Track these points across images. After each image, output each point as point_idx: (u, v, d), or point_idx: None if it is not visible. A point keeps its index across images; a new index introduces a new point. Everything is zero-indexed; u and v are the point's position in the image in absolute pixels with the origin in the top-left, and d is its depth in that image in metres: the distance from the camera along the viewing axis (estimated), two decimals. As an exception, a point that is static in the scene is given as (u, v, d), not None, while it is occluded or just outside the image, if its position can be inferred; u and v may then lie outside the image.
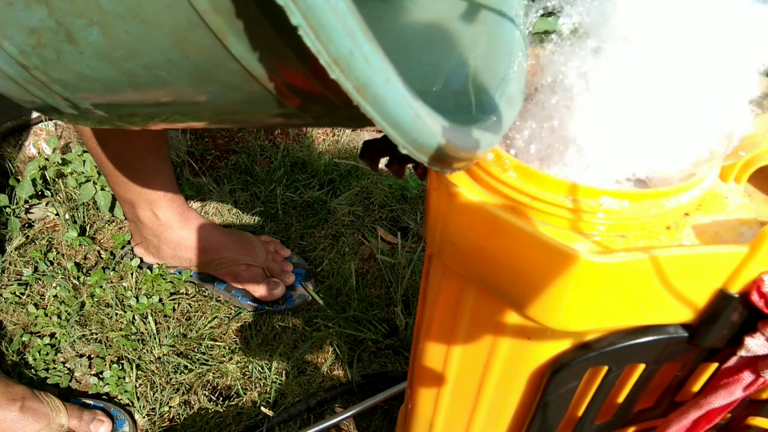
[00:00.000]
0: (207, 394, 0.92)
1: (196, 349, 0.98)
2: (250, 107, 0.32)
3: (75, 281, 1.06)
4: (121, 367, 0.95)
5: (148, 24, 0.27)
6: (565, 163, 0.35)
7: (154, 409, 0.91)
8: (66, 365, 0.96)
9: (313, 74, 0.27)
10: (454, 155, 0.28)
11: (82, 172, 1.16)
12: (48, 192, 1.18)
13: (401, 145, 0.26)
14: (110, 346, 0.98)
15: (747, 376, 0.35)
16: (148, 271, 1.06)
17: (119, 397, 0.93)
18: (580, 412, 0.43)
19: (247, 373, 0.95)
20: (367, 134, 1.42)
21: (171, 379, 0.94)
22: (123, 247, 1.10)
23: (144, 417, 0.90)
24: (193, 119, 0.36)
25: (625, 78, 0.33)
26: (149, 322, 1.00)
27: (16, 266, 1.08)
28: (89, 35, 0.28)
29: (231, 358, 0.96)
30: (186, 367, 0.95)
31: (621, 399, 0.42)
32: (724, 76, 0.33)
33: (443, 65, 0.39)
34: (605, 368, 0.38)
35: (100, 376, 0.95)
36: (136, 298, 1.03)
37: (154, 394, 0.92)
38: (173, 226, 1.01)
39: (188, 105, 0.33)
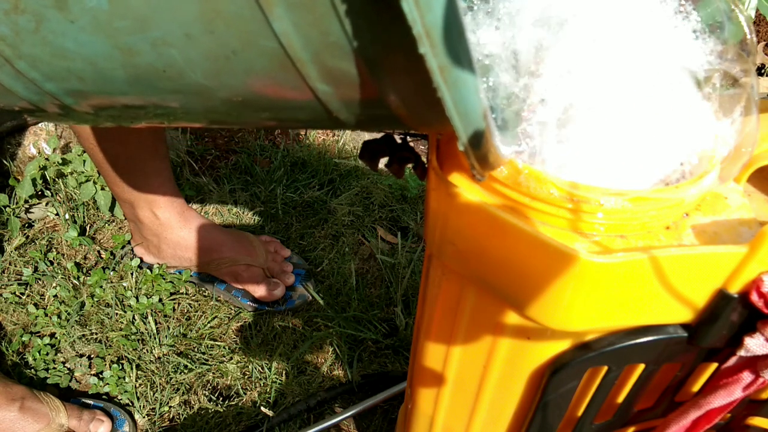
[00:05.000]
0: (207, 394, 0.92)
1: (196, 349, 0.98)
2: (265, 100, 0.28)
3: (75, 281, 1.06)
4: (121, 367, 0.95)
5: None
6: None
7: (154, 409, 0.91)
8: (66, 365, 0.96)
9: (368, 60, 0.24)
10: (495, 160, 0.27)
11: (82, 172, 1.16)
12: (48, 192, 1.18)
13: (461, 139, 0.25)
14: (110, 346, 0.98)
15: (746, 376, 0.35)
16: (148, 271, 1.06)
17: (119, 397, 0.93)
18: (580, 412, 0.43)
19: (247, 373, 0.95)
20: (367, 134, 1.42)
21: (171, 379, 0.94)
22: (123, 247, 1.10)
23: (144, 417, 0.90)
24: (185, 114, 0.31)
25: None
26: (149, 322, 1.00)
27: (16, 266, 1.08)
28: (89, 0, 0.24)
29: (231, 358, 0.96)
30: (186, 367, 0.95)
31: (621, 399, 0.42)
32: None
33: None
34: (605, 368, 0.38)
35: (100, 376, 0.95)
36: (136, 298, 1.03)
37: (154, 394, 0.92)
38: (173, 225, 1.01)
39: (189, 94, 0.28)
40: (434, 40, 0.20)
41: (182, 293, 1.06)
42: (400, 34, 0.20)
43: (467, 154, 0.26)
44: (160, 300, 1.03)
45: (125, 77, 0.27)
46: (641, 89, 0.34)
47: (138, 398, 0.92)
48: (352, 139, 1.39)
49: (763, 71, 1.66)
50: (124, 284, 1.05)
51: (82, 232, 1.14)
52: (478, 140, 0.25)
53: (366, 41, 0.23)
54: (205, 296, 1.05)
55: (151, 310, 1.02)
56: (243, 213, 1.20)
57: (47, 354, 0.96)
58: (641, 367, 0.39)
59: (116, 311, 1.02)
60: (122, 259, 1.09)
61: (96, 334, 0.99)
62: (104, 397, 0.93)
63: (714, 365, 0.40)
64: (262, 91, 0.27)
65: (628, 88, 0.34)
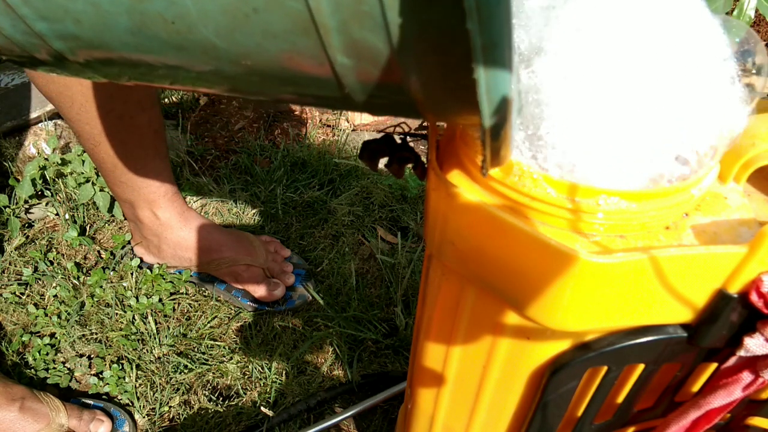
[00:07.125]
0: (207, 394, 0.92)
1: (196, 349, 0.98)
2: (276, 67, 0.26)
3: (75, 281, 1.06)
4: (121, 367, 0.95)
5: None
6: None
7: (154, 409, 0.91)
8: (66, 365, 0.96)
9: (399, 35, 0.22)
10: (506, 154, 0.27)
11: (82, 173, 1.16)
12: (48, 192, 1.18)
13: (484, 126, 0.24)
14: (110, 346, 0.98)
15: (746, 376, 0.35)
16: (148, 271, 1.06)
17: (119, 397, 0.93)
18: (580, 412, 0.43)
19: (247, 373, 0.95)
20: (367, 134, 1.42)
21: (171, 379, 0.94)
22: (123, 247, 1.10)
23: (144, 417, 0.90)
24: (185, 74, 0.29)
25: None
26: (149, 322, 1.00)
27: (16, 266, 1.08)
28: None
29: (231, 358, 0.96)
30: (186, 366, 0.95)
31: (620, 399, 0.42)
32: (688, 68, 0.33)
33: None
34: (605, 368, 0.38)
35: (100, 376, 0.95)
36: (136, 298, 1.03)
37: (154, 394, 0.92)
38: (173, 225, 1.01)
39: (194, 52, 0.26)
40: (484, 14, 0.19)
41: (182, 293, 1.06)
42: (445, 7, 0.19)
43: (483, 144, 0.26)
44: (160, 300, 1.03)
45: (128, 25, 0.25)
46: (645, 84, 0.33)
47: (138, 398, 0.92)
48: (352, 139, 1.39)
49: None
50: (124, 284, 1.05)
51: (82, 232, 1.14)
52: (498, 131, 0.24)
53: (404, 14, 0.22)
54: (205, 296, 1.05)
55: (151, 310, 1.02)
56: (243, 213, 1.20)
57: (47, 354, 0.96)
58: (641, 367, 0.39)
59: (116, 311, 1.02)
60: (122, 259, 1.09)
61: (96, 334, 0.99)
62: (104, 397, 0.93)
63: (714, 365, 0.40)
64: (276, 56, 0.26)
65: (630, 85, 0.33)
